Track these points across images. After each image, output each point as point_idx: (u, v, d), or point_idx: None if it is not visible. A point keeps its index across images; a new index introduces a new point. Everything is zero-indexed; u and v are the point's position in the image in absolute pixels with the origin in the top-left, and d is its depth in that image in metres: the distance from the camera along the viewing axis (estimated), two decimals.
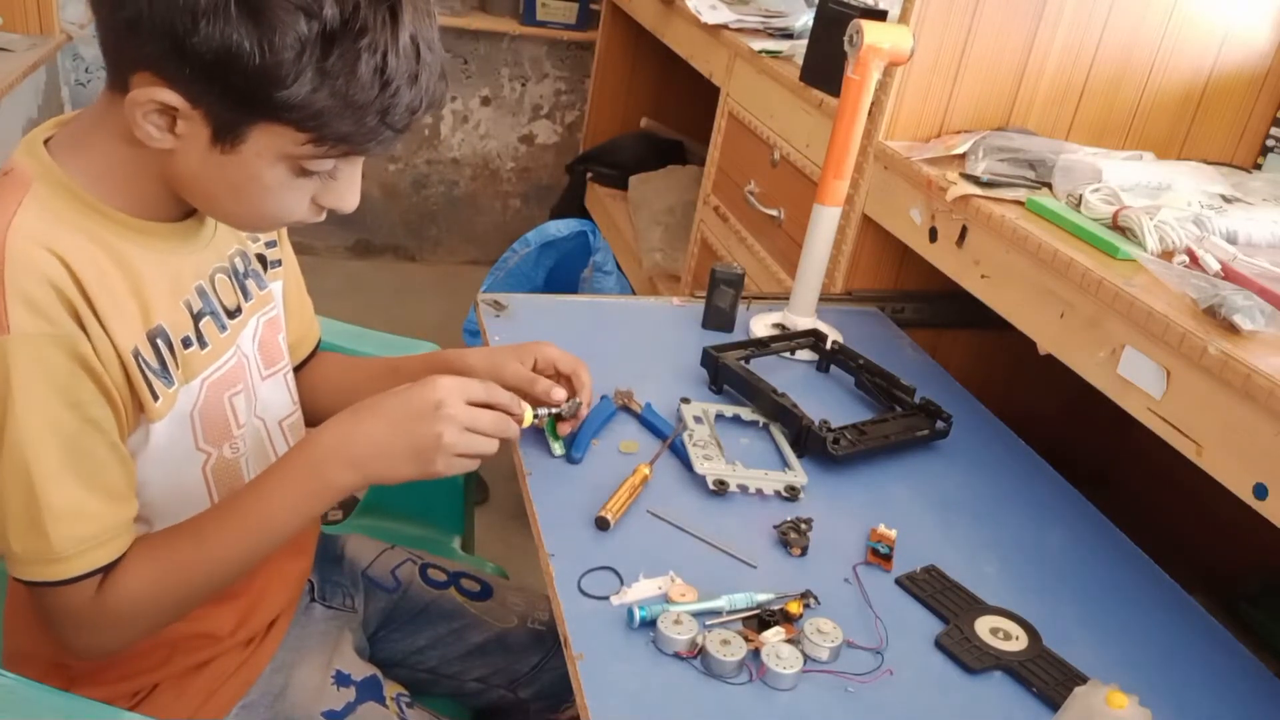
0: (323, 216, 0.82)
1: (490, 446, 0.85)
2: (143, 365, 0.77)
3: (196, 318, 0.84)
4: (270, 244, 0.98)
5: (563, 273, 2.54)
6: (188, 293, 0.84)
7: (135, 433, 0.80)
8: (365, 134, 0.74)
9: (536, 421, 0.93)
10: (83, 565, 0.76)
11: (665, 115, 2.95)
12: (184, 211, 0.84)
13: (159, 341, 0.80)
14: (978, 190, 1.18)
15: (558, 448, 0.97)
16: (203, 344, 0.85)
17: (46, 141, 0.78)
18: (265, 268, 0.96)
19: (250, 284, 0.93)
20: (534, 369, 0.99)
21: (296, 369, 1.03)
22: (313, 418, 1.04)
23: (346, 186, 0.80)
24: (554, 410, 0.96)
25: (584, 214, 2.77)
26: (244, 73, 0.68)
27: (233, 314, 0.89)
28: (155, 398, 0.79)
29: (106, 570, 0.78)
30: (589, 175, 2.85)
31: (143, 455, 0.81)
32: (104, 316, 0.74)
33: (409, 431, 0.82)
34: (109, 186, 0.77)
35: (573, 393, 0.99)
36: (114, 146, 0.76)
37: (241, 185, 0.76)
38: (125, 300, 0.77)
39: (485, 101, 3.23)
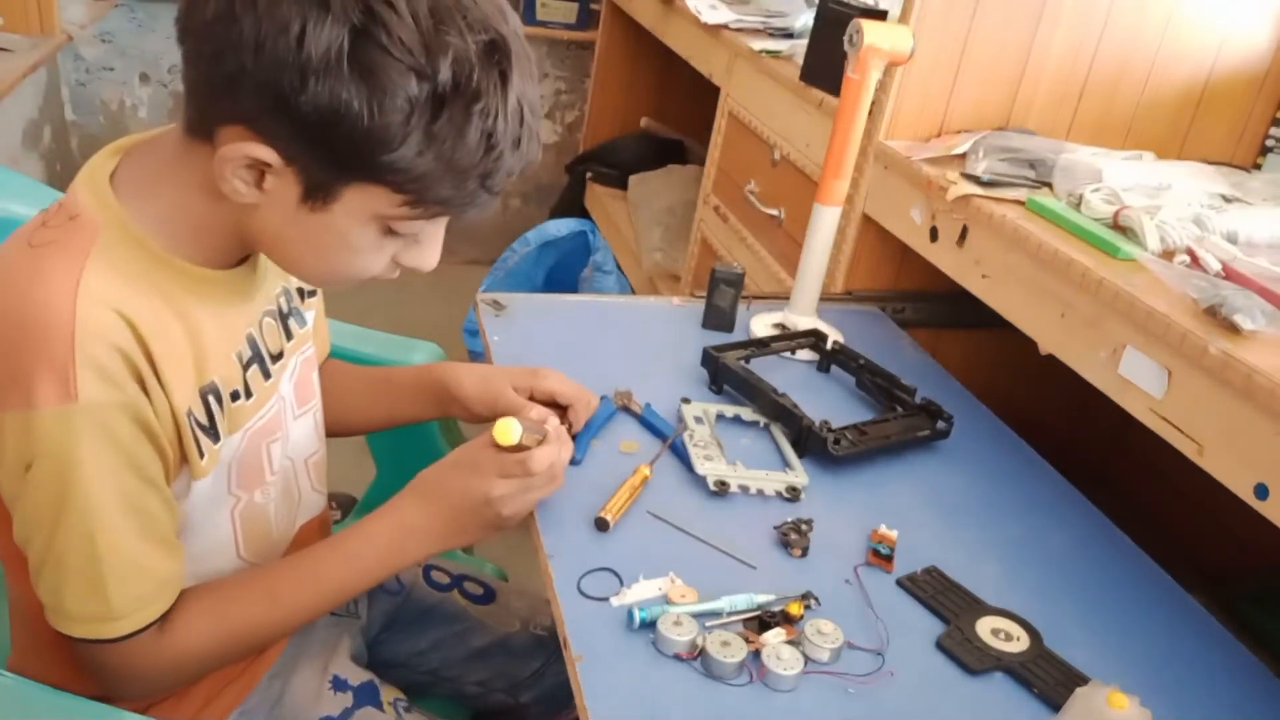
0: (397, 274, 0.80)
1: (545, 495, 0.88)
2: (194, 424, 0.77)
3: (245, 367, 0.83)
4: None
5: (563, 273, 2.54)
6: (240, 343, 0.83)
7: (176, 481, 0.79)
8: (464, 198, 0.72)
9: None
10: (138, 621, 0.75)
11: (665, 115, 2.95)
12: (240, 257, 0.82)
13: (210, 398, 0.79)
14: (978, 190, 1.18)
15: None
16: (249, 395, 0.83)
17: (111, 175, 0.75)
18: (303, 298, 0.95)
19: (292, 323, 0.92)
20: (530, 398, 0.97)
21: None
22: None
23: (429, 247, 0.79)
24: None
25: (584, 214, 2.77)
26: (349, 134, 0.66)
27: (276, 358, 0.88)
28: (201, 455, 0.78)
29: (162, 620, 0.77)
30: (589, 175, 2.85)
31: (180, 506, 0.80)
32: (164, 378, 0.73)
33: (470, 518, 0.86)
34: (176, 235, 0.75)
35: (565, 421, 0.97)
36: (188, 195, 0.74)
37: (327, 245, 0.74)
38: (184, 358, 0.76)
39: None
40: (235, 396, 0.82)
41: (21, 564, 0.80)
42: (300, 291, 0.95)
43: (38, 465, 0.69)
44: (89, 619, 0.74)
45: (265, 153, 0.68)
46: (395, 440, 1.18)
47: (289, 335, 0.91)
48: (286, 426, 0.91)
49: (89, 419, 0.68)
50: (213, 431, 0.79)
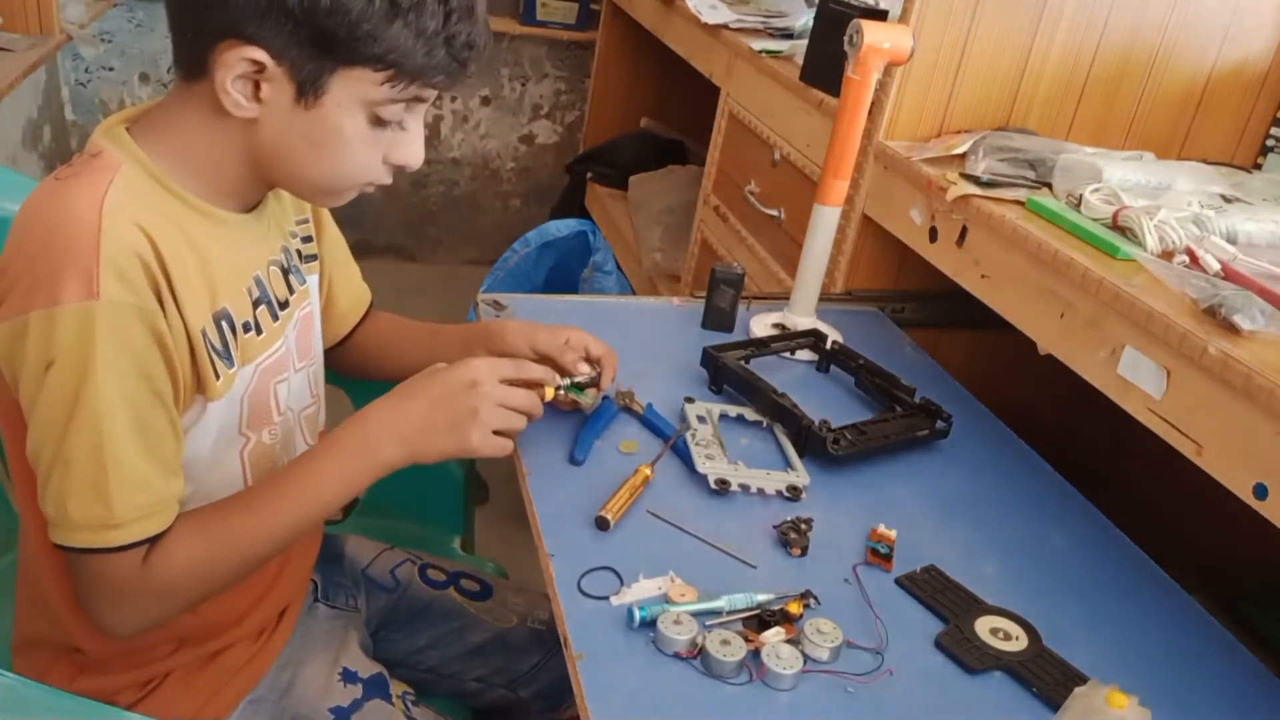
0: (390, 179, 0.88)
1: (520, 423, 0.91)
2: (209, 345, 0.81)
3: (254, 304, 0.88)
4: (306, 239, 1.01)
5: (563, 273, 2.54)
6: (248, 280, 0.88)
7: (190, 409, 0.82)
8: (435, 66, 0.80)
9: (559, 396, 0.97)
10: (136, 533, 0.77)
11: (665, 115, 2.95)
12: (249, 205, 0.88)
13: (223, 323, 0.83)
14: (978, 190, 1.18)
15: (587, 400, 1.01)
16: (259, 330, 0.88)
17: (127, 129, 0.81)
18: (303, 260, 0.99)
19: (293, 279, 0.96)
20: (566, 344, 1.03)
21: (354, 330, 1.10)
22: (362, 371, 1.11)
23: (413, 139, 0.86)
24: (576, 380, 1.00)
25: (584, 214, 2.77)
26: (326, 13, 0.74)
27: (283, 305, 0.93)
28: (217, 377, 0.82)
29: (153, 541, 0.79)
30: (589, 175, 2.85)
31: (194, 432, 0.83)
32: (179, 295, 0.78)
33: (446, 408, 0.88)
34: (188, 173, 0.82)
35: (597, 370, 1.03)
36: (195, 131, 0.81)
37: (323, 141, 0.81)
38: (197, 281, 0.81)
39: (485, 101, 3.23)
40: (246, 328, 0.87)
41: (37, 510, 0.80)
42: (300, 255, 0.98)
43: (57, 364, 0.72)
44: (91, 525, 0.76)
45: (258, 53, 0.76)
46: None
47: (291, 289, 0.95)
48: (291, 372, 0.95)
49: (108, 317, 0.73)
50: (227, 356, 0.84)
